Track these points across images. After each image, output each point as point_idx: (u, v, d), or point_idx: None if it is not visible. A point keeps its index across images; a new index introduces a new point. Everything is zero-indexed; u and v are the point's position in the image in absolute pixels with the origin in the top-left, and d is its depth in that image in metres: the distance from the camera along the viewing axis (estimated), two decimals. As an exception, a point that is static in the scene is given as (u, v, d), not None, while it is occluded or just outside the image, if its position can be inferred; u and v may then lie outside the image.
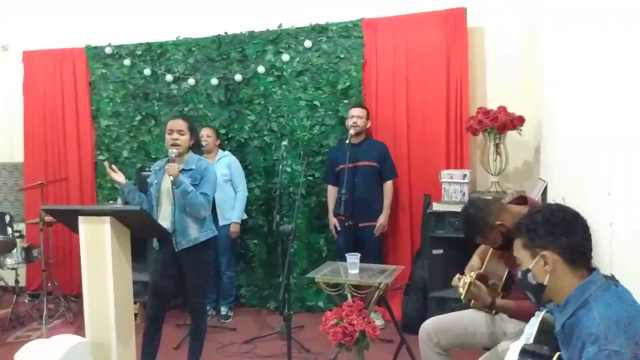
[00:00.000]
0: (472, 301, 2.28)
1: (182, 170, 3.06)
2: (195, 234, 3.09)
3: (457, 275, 2.37)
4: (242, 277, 4.79)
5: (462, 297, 2.21)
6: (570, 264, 1.54)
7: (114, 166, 3.20)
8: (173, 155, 3.02)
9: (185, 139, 3.11)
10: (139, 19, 5.01)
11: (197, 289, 3.17)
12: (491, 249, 2.47)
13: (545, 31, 3.59)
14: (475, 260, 2.61)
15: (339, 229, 4.17)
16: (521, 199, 2.48)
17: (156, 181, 3.17)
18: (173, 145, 3.07)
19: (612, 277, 1.83)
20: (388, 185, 4.18)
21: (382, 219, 4.15)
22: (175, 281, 3.17)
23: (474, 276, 2.21)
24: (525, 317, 1.90)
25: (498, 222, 2.27)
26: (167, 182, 3.07)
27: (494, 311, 2.28)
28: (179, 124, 3.11)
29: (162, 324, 3.20)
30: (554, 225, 1.55)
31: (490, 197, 3.25)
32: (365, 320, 2.70)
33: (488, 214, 2.29)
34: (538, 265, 1.57)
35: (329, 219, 4.33)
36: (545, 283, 1.57)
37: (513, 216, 2.30)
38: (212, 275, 4.48)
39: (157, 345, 3.19)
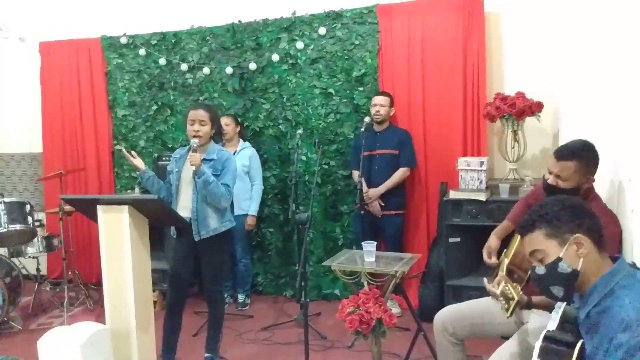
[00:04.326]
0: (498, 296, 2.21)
1: (204, 160, 3.05)
2: (215, 224, 3.09)
3: (487, 280, 2.29)
4: (259, 265, 4.82)
5: (508, 314, 2.06)
6: (598, 246, 1.52)
7: (133, 152, 3.19)
8: (195, 145, 3.00)
9: (206, 130, 3.09)
10: (153, 9, 5.02)
11: (214, 278, 3.19)
12: (518, 238, 2.41)
13: (563, 17, 3.52)
14: (493, 240, 2.57)
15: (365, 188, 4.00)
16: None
17: (176, 169, 3.16)
18: (195, 136, 3.05)
19: (634, 265, 1.81)
20: (400, 171, 4.12)
21: (372, 191, 4.05)
22: (193, 270, 3.19)
23: (519, 291, 2.07)
24: None
25: (590, 177, 2.18)
26: (187, 171, 3.06)
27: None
28: (201, 114, 3.08)
29: (182, 312, 3.23)
30: (574, 209, 1.53)
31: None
32: (382, 308, 2.70)
33: (598, 164, 2.19)
34: (570, 250, 1.53)
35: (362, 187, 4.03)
36: (578, 269, 1.52)
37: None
38: (229, 265, 4.51)
39: (178, 333, 3.22)
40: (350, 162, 4.38)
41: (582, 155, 2.17)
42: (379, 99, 4.14)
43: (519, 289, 2.10)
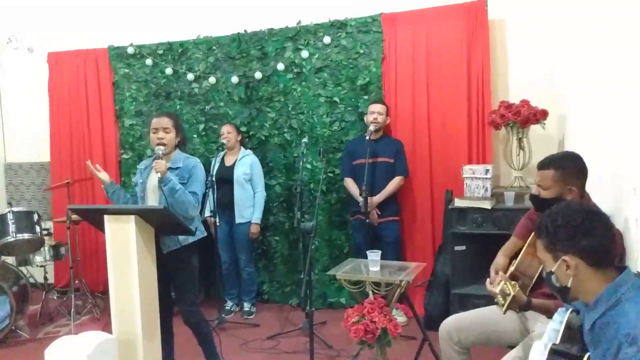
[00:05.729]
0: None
1: (169, 169, 2.98)
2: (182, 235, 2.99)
3: (489, 280, 2.31)
4: (265, 273, 4.83)
5: (503, 309, 2.12)
6: (594, 266, 1.52)
7: (97, 165, 3.11)
8: (160, 153, 2.94)
9: (171, 137, 3.04)
10: (159, 19, 5.07)
11: (187, 294, 3.06)
12: (525, 246, 2.41)
13: (568, 24, 3.53)
14: (500, 258, 2.56)
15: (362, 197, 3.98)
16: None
17: (141, 180, 3.11)
18: (159, 144, 2.99)
19: (639, 275, 1.80)
20: (397, 179, 4.15)
21: (372, 199, 4.04)
22: (168, 283, 3.11)
23: (517, 288, 2.12)
24: None
25: (573, 187, 2.18)
26: (153, 180, 3.00)
27: (517, 309, 2.25)
28: (164, 121, 3.03)
29: (169, 320, 3.15)
30: (573, 227, 1.52)
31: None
32: (387, 317, 2.70)
33: (584, 176, 2.21)
34: (560, 268, 1.55)
35: (356, 197, 4.11)
36: (569, 286, 1.55)
37: (580, 197, 2.21)
38: (221, 275, 4.45)
39: (169, 342, 3.15)
40: (343, 169, 4.36)
41: (561, 164, 2.20)
42: (376, 107, 4.16)
43: (518, 287, 2.14)
